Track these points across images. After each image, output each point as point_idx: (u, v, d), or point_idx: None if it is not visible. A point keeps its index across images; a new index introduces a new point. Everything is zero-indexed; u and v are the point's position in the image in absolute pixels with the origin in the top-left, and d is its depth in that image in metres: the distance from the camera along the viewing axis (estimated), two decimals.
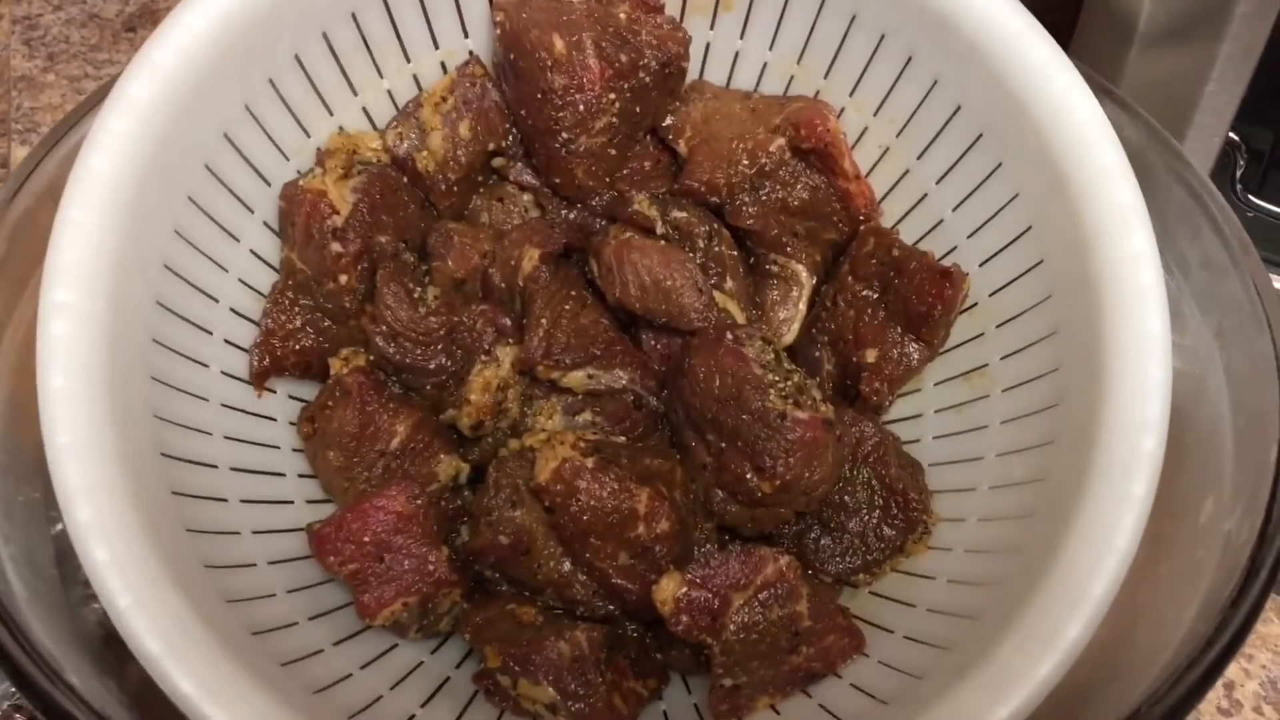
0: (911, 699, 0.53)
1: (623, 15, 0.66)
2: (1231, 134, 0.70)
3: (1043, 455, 0.58)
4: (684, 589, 0.57)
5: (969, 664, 0.51)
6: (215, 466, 0.60)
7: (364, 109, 0.68)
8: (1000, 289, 0.63)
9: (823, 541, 0.63)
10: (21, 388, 0.54)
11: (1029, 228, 0.61)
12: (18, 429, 0.54)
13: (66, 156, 0.56)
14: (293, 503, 0.64)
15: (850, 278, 0.67)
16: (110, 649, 0.50)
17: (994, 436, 0.62)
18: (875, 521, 0.63)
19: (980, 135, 0.62)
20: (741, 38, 0.69)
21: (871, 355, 0.65)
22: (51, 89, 1.08)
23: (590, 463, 0.59)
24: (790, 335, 0.69)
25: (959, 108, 0.63)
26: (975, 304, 0.64)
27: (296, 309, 0.65)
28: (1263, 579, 0.46)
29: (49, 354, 0.52)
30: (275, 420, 0.65)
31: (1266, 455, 0.50)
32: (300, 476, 0.65)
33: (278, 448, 0.64)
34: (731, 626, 0.57)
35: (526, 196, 0.70)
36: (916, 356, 0.64)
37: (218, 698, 0.47)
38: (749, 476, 0.60)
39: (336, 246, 0.63)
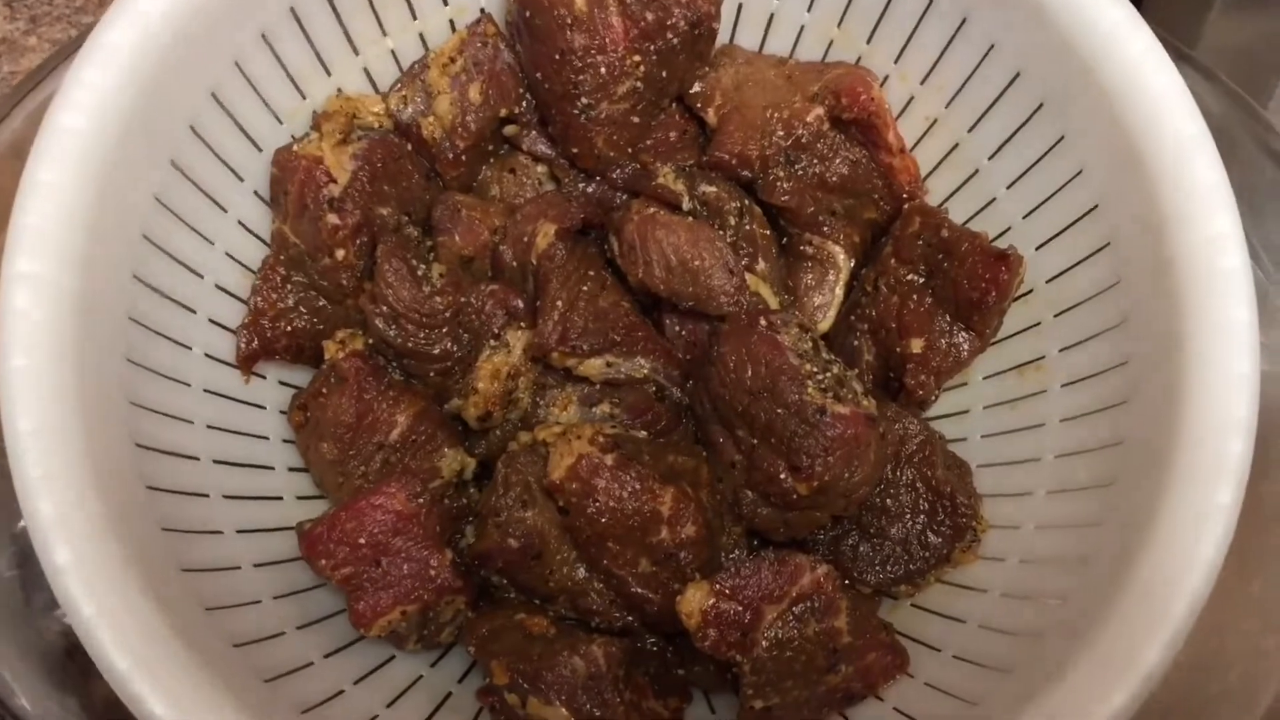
0: None
1: None
2: None
3: (1111, 457, 0.52)
4: (712, 600, 0.51)
5: (1033, 691, 0.46)
6: (196, 459, 0.54)
7: (365, 69, 0.63)
8: (1060, 274, 0.57)
9: (861, 549, 0.58)
10: None
11: (1095, 207, 0.55)
12: None
13: (35, 112, 0.51)
14: (282, 499, 0.58)
15: (893, 260, 0.61)
16: (74, 662, 0.45)
17: (1052, 436, 0.56)
18: (919, 528, 0.57)
19: (1041, 105, 0.57)
20: None
21: (917, 345, 0.59)
22: (34, 52, 1.02)
23: (610, 459, 0.53)
24: (826, 323, 0.64)
25: (1018, 74, 0.57)
26: (1030, 290, 0.59)
27: (288, 286, 0.59)
28: None
29: (10, 330, 0.47)
30: (264, 408, 0.60)
31: None
32: (291, 470, 0.60)
33: (266, 438, 0.59)
34: (764, 642, 0.52)
35: (541, 168, 0.65)
36: (966, 347, 0.59)
37: None
38: (783, 476, 0.55)
39: (333, 218, 0.58)
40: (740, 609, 0.51)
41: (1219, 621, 0.45)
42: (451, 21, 0.63)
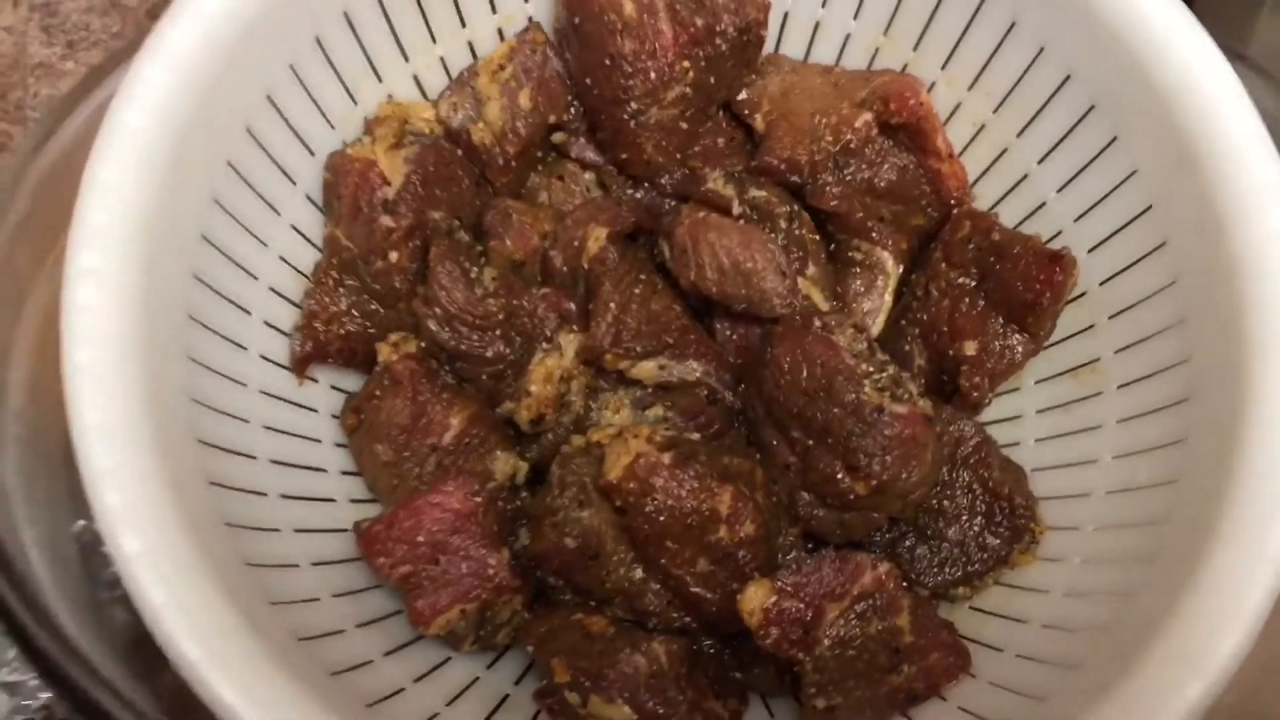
0: None
1: None
2: None
3: (1173, 455, 0.52)
4: (774, 598, 0.51)
5: (1105, 684, 0.46)
6: (254, 457, 0.54)
7: (415, 76, 0.63)
8: (1113, 276, 0.58)
9: (919, 551, 0.58)
10: (45, 362, 0.48)
11: (1149, 208, 0.56)
12: (39, 407, 0.48)
13: (98, 110, 0.51)
14: (335, 500, 0.58)
15: (944, 264, 0.61)
16: (140, 653, 0.44)
17: (1110, 437, 0.56)
18: (977, 529, 0.57)
19: (1092, 107, 0.57)
20: (823, 6, 0.64)
21: (970, 348, 0.59)
22: (70, 77, 1.03)
23: (667, 458, 0.53)
24: (876, 328, 0.64)
25: (1068, 77, 0.58)
26: (1084, 293, 0.59)
27: (341, 290, 0.60)
28: None
29: (75, 325, 0.46)
30: (316, 411, 0.60)
31: None
32: (343, 474, 0.59)
33: (319, 441, 0.59)
34: (826, 641, 0.51)
35: (589, 175, 0.65)
36: (1020, 349, 0.59)
37: (265, 709, 0.41)
38: (840, 476, 0.54)
39: (387, 220, 0.58)
40: (802, 607, 0.51)
41: None
42: (500, 30, 0.64)
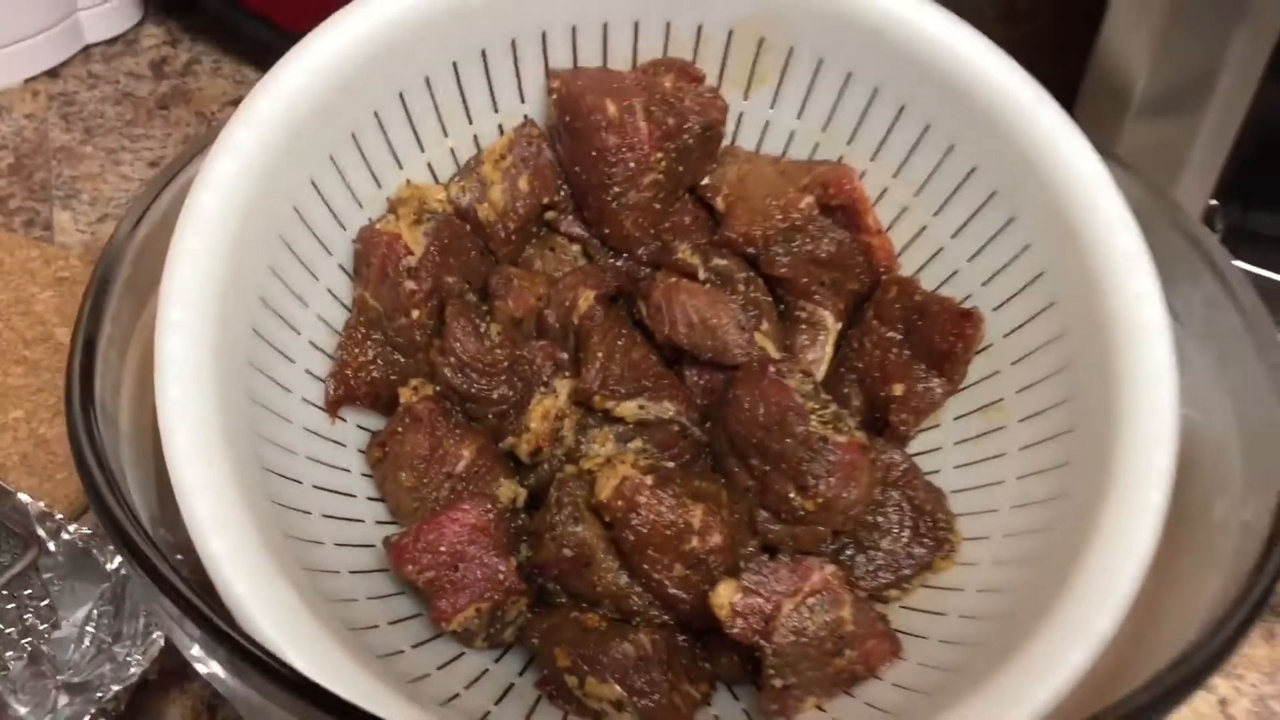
0: (953, 688, 0.58)
1: (668, 84, 0.73)
2: (1213, 200, 0.78)
3: (1061, 475, 0.63)
4: (739, 594, 0.61)
5: (1006, 654, 0.56)
6: (300, 482, 0.64)
7: (429, 164, 0.74)
8: (1014, 330, 0.69)
9: (858, 559, 0.68)
10: (143, 397, 0.58)
11: (1040, 274, 0.68)
12: (140, 431, 0.58)
13: (178, 193, 0.62)
14: (364, 521, 0.68)
15: (875, 321, 0.73)
16: None
17: (1013, 462, 0.68)
18: (906, 540, 0.68)
19: (994, 193, 0.70)
20: (772, 108, 0.76)
21: (898, 389, 0.71)
22: (90, 159, 1.13)
23: (649, 480, 0.64)
24: (819, 374, 0.75)
25: (974, 169, 0.70)
26: (990, 345, 0.71)
27: (368, 343, 0.70)
28: None
29: (166, 368, 0.56)
30: (345, 446, 0.69)
31: (1277, 453, 0.57)
32: (369, 500, 0.69)
33: (349, 471, 0.69)
34: (782, 630, 0.61)
35: (575, 247, 0.76)
36: (939, 390, 0.71)
37: (333, 677, 0.51)
38: (792, 496, 0.65)
39: (410, 284, 0.69)
40: (763, 601, 0.61)
41: (1158, 594, 0.56)
42: (501, 125, 0.75)
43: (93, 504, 0.53)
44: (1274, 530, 0.53)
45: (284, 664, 0.49)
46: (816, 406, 0.66)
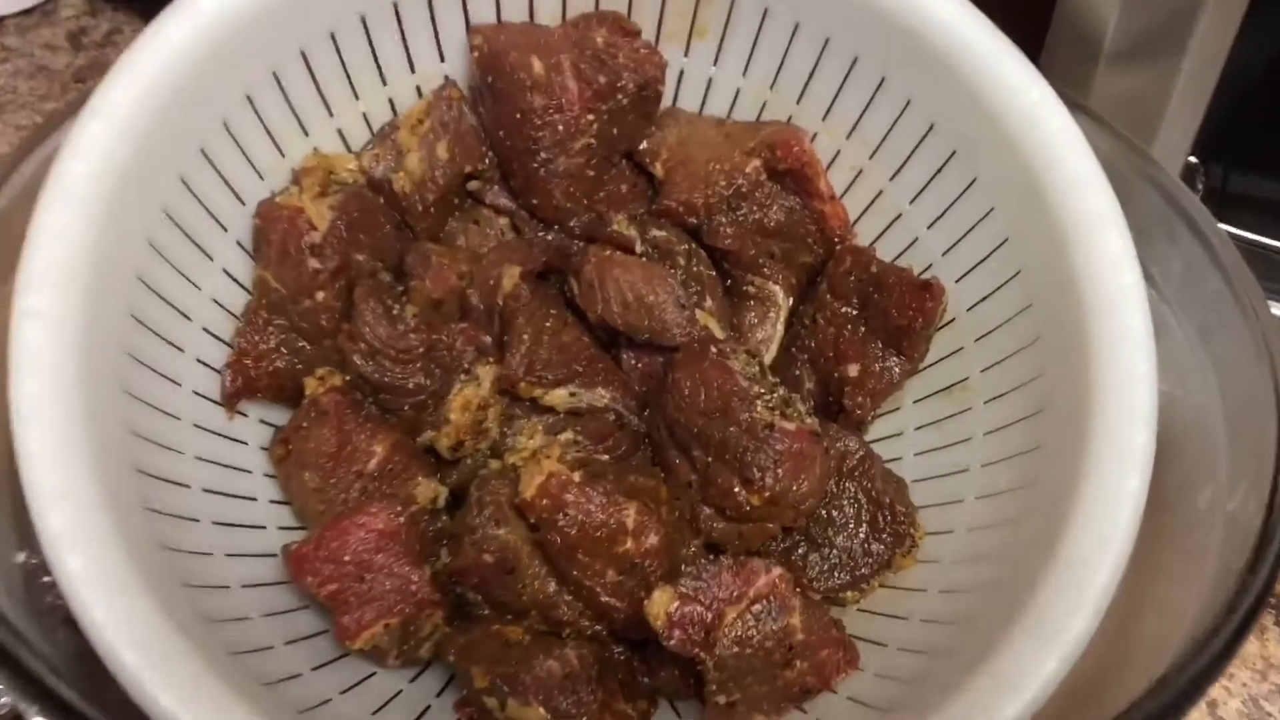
0: (915, 702, 0.52)
1: (600, 39, 0.66)
2: (1191, 158, 0.72)
3: (1030, 461, 0.58)
4: (676, 603, 0.55)
5: (972, 664, 0.51)
6: (187, 486, 0.57)
7: (339, 130, 0.67)
8: (978, 302, 0.64)
9: (810, 558, 0.62)
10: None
11: (1005, 240, 0.62)
12: None
13: (42, 164, 0.55)
14: (265, 528, 0.61)
15: (829, 296, 0.67)
16: (81, 674, 0.47)
17: (978, 448, 0.62)
18: (863, 536, 0.62)
19: (954, 153, 0.63)
20: (715, 64, 0.70)
21: (853, 370, 0.65)
22: (0, 138, 1.06)
23: (577, 476, 0.58)
24: (769, 355, 0.69)
25: (932, 127, 0.64)
26: (953, 319, 0.65)
27: (270, 329, 0.63)
28: (1277, 546, 0.46)
29: (21, 359, 0.50)
30: (246, 444, 0.63)
31: (1265, 433, 0.51)
32: (272, 502, 0.63)
33: (249, 472, 0.62)
34: (725, 640, 0.56)
35: (503, 219, 0.70)
36: (898, 370, 0.65)
37: (203, 713, 0.45)
38: (737, 490, 0.59)
39: (314, 263, 0.62)
40: (703, 610, 0.55)
41: (1139, 593, 0.51)
42: (419, 87, 0.69)
43: None
44: (1267, 523, 0.47)
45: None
46: (763, 391, 0.60)
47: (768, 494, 0.58)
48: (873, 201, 0.69)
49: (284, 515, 0.63)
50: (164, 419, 0.58)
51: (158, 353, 0.58)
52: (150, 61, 0.56)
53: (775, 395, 0.60)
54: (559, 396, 0.63)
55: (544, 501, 0.57)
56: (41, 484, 0.48)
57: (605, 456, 0.63)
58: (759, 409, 0.59)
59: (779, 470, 0.58)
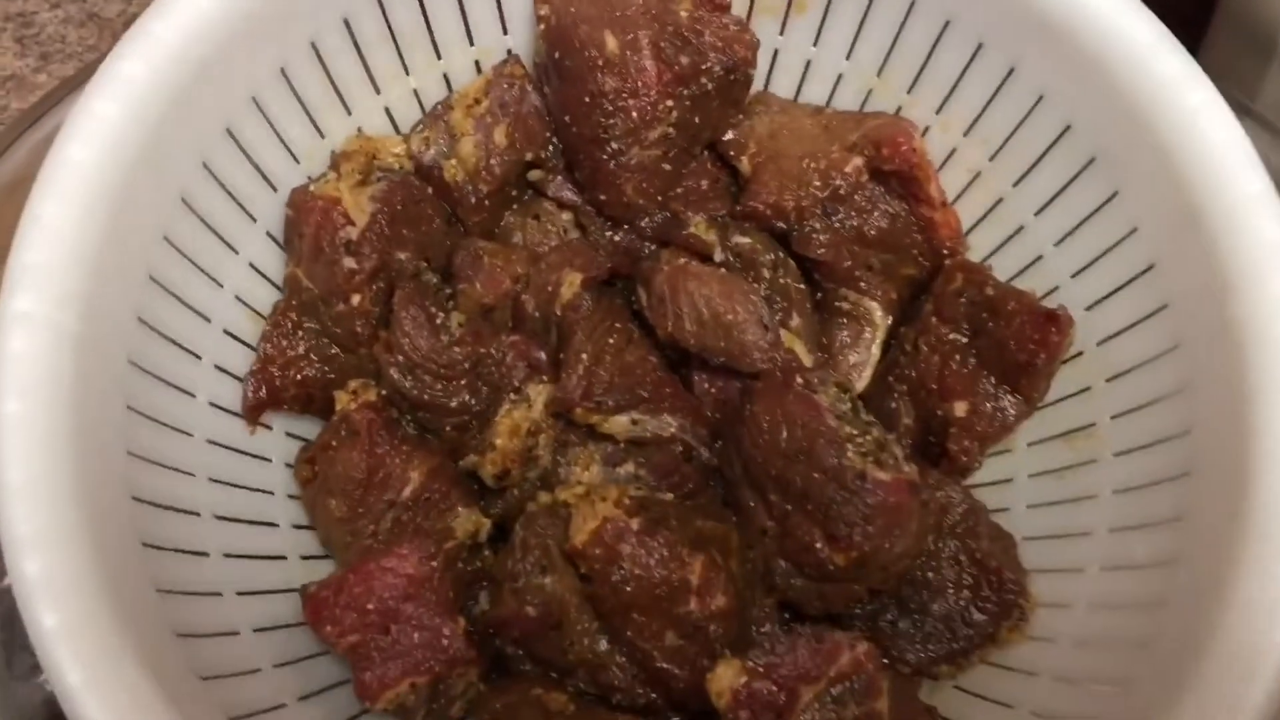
0: None
1: (684, 13, 0.58)
2: None
3: (1172, 535, 0.49)
4: (744, 678, 0.48)
5: None
6: (197, 514, 0.51)
7: (386, 109, 0.60)
8: (1112, 336, 0.55)
9: (901, 625, 0.54)
10: None
11: (1150, 267, 0.53)
12: None
13: (41, 143, 0.48)
14: (286, 558, 0.55)
15: (935, 319, 0.58)
16: None
17: (1106, 509, 0.53)
18: (963, 603, 0.54)
19: (1093, 159, 0.54)
20: (815, 44, 0.62)
21: (960, 409, 0.56)
22: (43, 90, 1.00)
23: (635, 524, 0.50)
24: (862, 382, 0.61)
25: (1068, 127, 0.55)
26: (1080, 353, 0.56)
27: (300, 333, 0.57)
28: None
29: (6, 373, 0.43)
30: (270, 461, 0.56)
31: None
32: (296, 528, 0.56)
33: (271, 493, 0.56)
34: None
35: (566, 215, 0.62)
36: (1012, 412, 0.56)
37: None
38: (819, 546, 0.51)
39: (350, 262, 0.55)
40: (774, 689, 0.48)
41: None
42: (477, 62, 0.61)
43: None
44: None
45: None
46: (855, 432, 0.51)
47: (855, 553, 0.50)
48: (991, 210, 0.60)
49: (309, 542, 0.56)
50: (174, 437, 0.51)
51: (170, 361, 0.51)
52: (170, 29, 0.49)
53: (869, 438, 0.52)
54: (620, 424, 0.55)
55: (597, 550, 0.50)
56: (17, 525, 0.41)
57: (669, 495, 0.55)
58: (849, 454, 0.51)
59: (869, 526, 0.50)
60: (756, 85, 0.63)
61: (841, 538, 0.51)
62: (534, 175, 0.61)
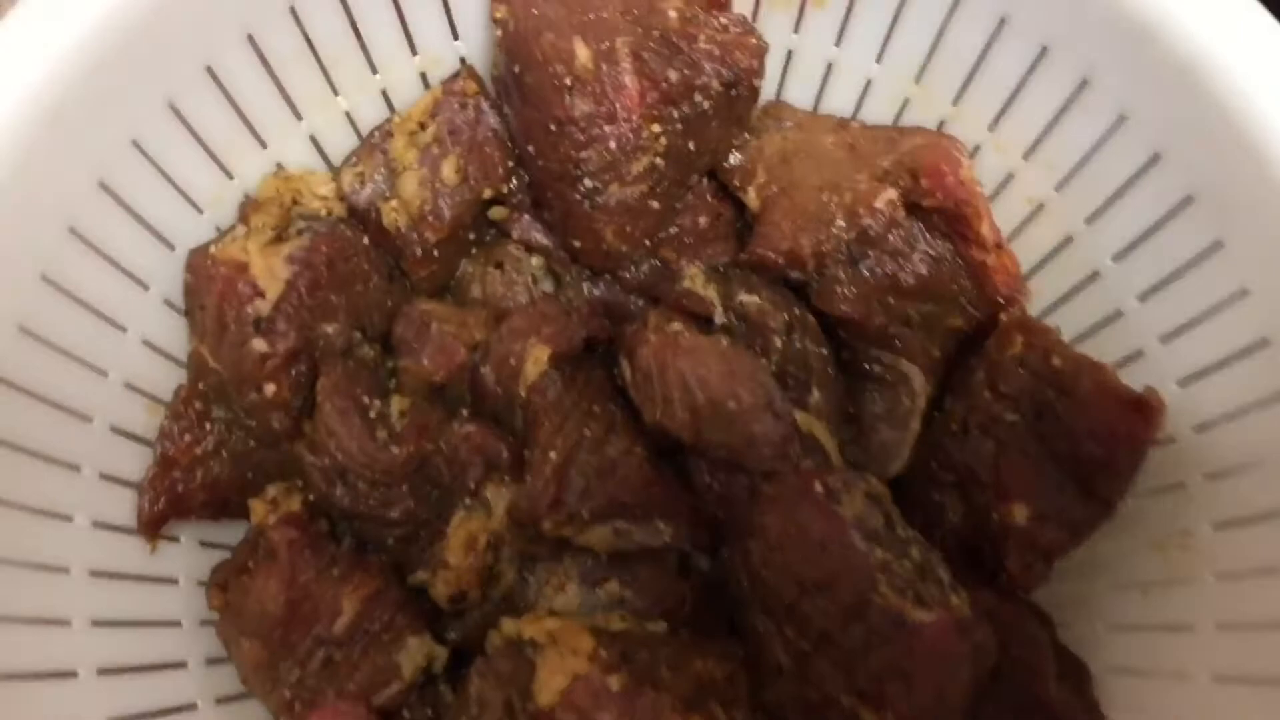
0: None
1: (673, 14, 0.47)
2: None
3: None
4: None
5: None
6: (74, 674, 0.41)
7: (312, 137, 0.50)
8: (1213, 423, 0.43)
9: None
10: None
11: (1264, 340, 0.41)
12: None
13: None
14: (196, 707, 0.45)
15: (988, 393, 0.47)
16: None
17: (1207, 647, 0.43)
18: None
19: (1189, 198, 0.43)
20: (838, 44, 0.50)
21: (1021, 514, 0.45)
22: None
23: (614, 682, 0.40)
24: (898, 463, 0.50)
25: (1155, 157, 0.44)
26: (1173, 440, 0.45)
27: (208, 425, 0.47)
28: None
29: None
30: (175, 583, 0.47)
31: None
32: (209, 663, 0.47)
33: (178, 624, 0.46)
34: None
35: (536, 260, 0.51)
36: (1086, 519, 0.45)
37: None
38: (844, 701, 0.41)
39: (260, 344, 0.44)
40: None
41: None
42: (423, 75, 0.50)
43: None
44: None
45: None
46: (888, 557, 0.41)
47: (891, 714, 0.40)
48: (1058, 250, 0.49)
49: (225, 680, 0.47)
50: (39, 578, 0.41)
51: (29, 480, 0.41)
52: (15, 59, 0.38)
53: (905, 563, 0.41)
54: (599, 536, 0.45)
55: (569, 716, 0.40)
56: None
57: (662, 624, 0.45)
58: (882, 588, 0.40)
59: (910, 681, 0.40)
60: (767, 93, 0.52)
61: (871, 696, 0.40)
62: (496, 213, 0.51)
